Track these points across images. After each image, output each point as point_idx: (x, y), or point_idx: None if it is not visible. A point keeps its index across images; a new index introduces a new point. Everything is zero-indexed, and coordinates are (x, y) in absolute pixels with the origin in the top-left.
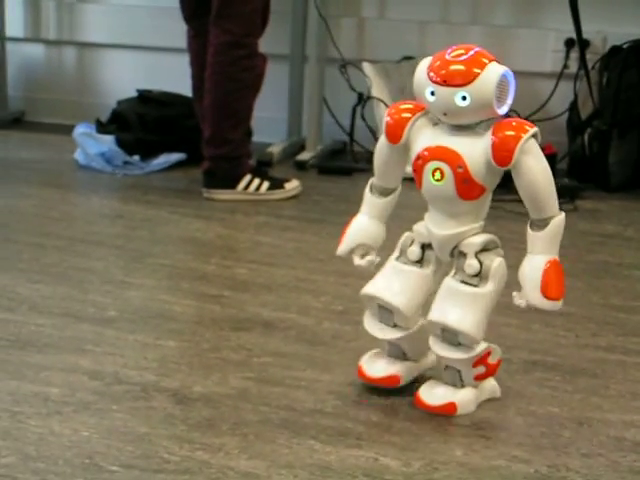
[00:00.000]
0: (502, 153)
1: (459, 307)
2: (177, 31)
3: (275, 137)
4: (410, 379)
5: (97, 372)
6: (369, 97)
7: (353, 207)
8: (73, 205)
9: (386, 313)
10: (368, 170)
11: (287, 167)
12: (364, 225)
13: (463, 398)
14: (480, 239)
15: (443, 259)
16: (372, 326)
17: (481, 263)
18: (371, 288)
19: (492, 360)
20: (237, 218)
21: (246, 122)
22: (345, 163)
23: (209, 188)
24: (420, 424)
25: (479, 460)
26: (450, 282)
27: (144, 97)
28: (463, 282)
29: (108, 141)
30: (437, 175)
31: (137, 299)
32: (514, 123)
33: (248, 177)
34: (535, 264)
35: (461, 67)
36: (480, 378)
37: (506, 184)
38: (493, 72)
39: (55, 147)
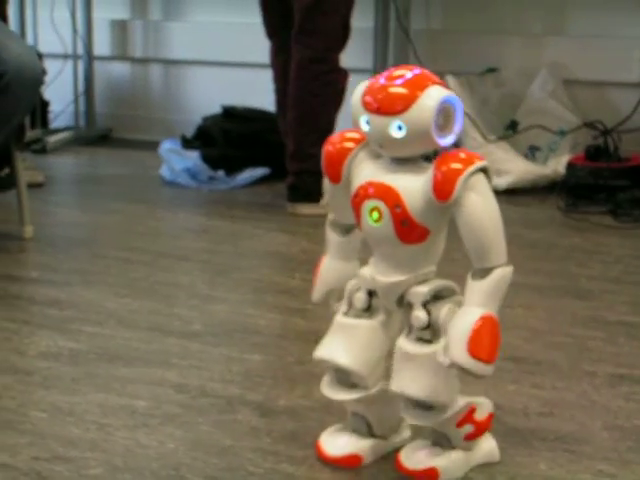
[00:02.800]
0: (443, 187)
1: (415, 372)
2: (260, 47)
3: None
4: (374, 458)
5: (183, 385)
6: None
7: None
8: (159, 220)
9: (342, 374)
10: None
11: None
12: (331, 269)
13: (448, 462)
14: (428, 287)
15: (391, 309)
16: (329, 388)
17: (430, 314)
18: (319, 351)
19: (480, 416)
20: (321, 232)
21: (329, 136)
22: None
23: (293, 202)
24: (504, 437)
25: (564, 474)
26: (402, 343)
27: (229, 113)
28: (418, 339)
29: (193, 157)
30: (375, 215)
31: (222, 313)
32: (462, 155)
33: None
34: (467, 317)
35: (396, 92)
36: (471, 438)
37: (590, 196)
38: (432, 97)
39: (141, 163)
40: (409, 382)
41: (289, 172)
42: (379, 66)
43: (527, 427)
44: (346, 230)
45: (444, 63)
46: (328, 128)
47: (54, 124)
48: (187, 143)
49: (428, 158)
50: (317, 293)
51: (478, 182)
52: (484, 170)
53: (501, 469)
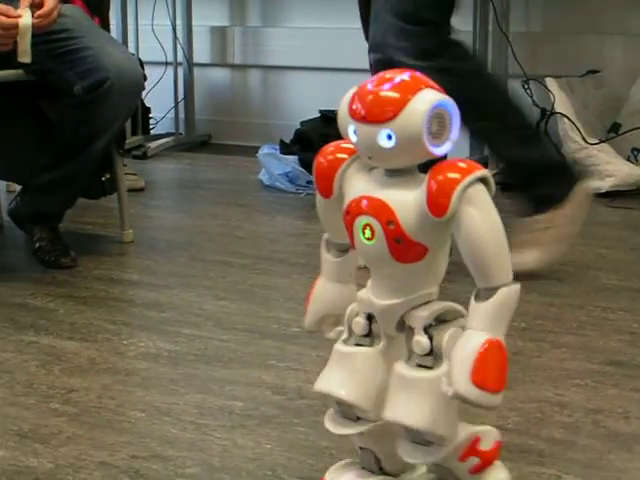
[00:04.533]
0: (437, 200)
1: (411, 398)
2: (358, 52)
3: (455, 154)
4: None
5: (280, 387)
6: (552, 113)
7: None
8: (257, 224)
9: (344, 407)
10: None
11: None
12: (325, 292)
13: None
14: (429, 310)
15: (391, 334)
16: (333, 423)
17: (432, 339)
18: (318, 384)
19: (485, 446)
20: None
21: None
22: None
23: None
24: (604, 441)
25: None
26: (399, 368)
27: (327, 117)
28: (418, 365)
29: (292, 161)
30: (367, 233)
31: None
32: (461, 164)
33: None
34: (469, 342)
35: (383, 98)
36: (477, 471)
37: None
38: (422, 102)
39: (240, 168)
40: (405, 410)
41: None
42: None
43: (628, 431)
44: (341, 250)
45: (544, 65)
46: None
47: (155, 130)
48: (285, 148)
49: (427, 168)
50: (309, 319)
51: (477, 194)
52: (484, 180)
53: (601, 473)
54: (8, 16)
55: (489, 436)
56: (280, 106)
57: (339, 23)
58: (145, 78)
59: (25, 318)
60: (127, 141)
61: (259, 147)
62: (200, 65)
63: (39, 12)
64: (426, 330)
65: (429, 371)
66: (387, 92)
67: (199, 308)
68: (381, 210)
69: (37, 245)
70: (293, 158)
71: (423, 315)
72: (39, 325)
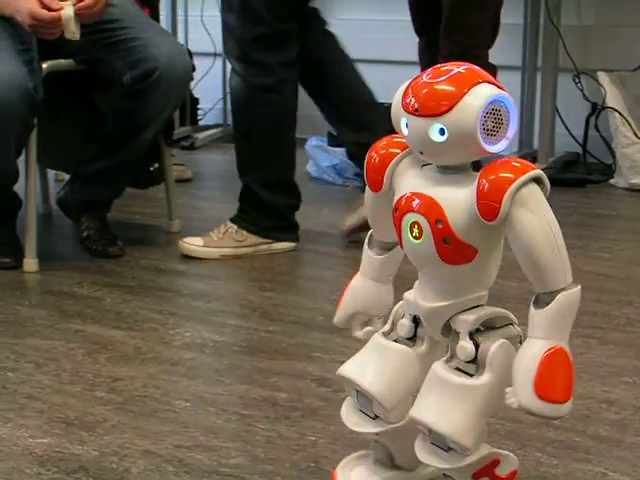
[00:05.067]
0: (487, 203)
1: (443, 401)
2: (408, 44)
3: (506, 149)
4: None
5: (325, 379)
6: (603, 107)
7: (586, 219)
8: (304, 216)
9: (365, 400)
10: (602, 182)
11: None
12: (361, 289)
13: None
14: (476, 315)
15: (436, 338)
16: (349, 415)
17: (477, 346)
18: (345, 368)
19: (502, 472)
20: None
21: None
22: (578, 175)
23: None
24: None
25: None
26: (438, 368)
27: None
28: (458, 369)
29: (339, 154)
30: (415, 231)
31: None
32: (514, 163)
33: None
34: (532, 352)
35: (437, 91)
36: None
37: None
38: (478, 96)
39: None
40: (435, 412)
41: None
42: (529, 63)
43: None
44: (385, 248)
45: (595, 59)
46: None
47: (203, 121)
48: (333, 140)
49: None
50: (340, 314)
51: (530, 195)
52: (537, 180)
53: None
54: (51, 8)
55: (508, 462)
56: None
57: (390, 15)
58: (194, 69)
59: (72, 307)
60: (175, 132)
61: (307, 139)
62: None
63: (81, 4)
64: (472, 336)
65: (468, 378)
66: (442, 85)
67: (245, 299)
68: (430, 208)
69: (85, 234)
70: (341, 150)
71: (470, 320)
72: (86, 314)
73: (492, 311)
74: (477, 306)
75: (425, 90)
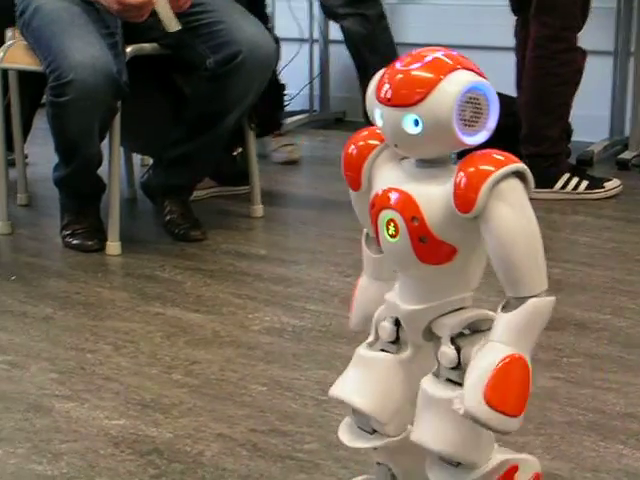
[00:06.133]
0: (464, 194)
1: (438, 420)
2: (496, 29)
3: (596, 136)
4: None
5: None
6: None
7: None
8: None
9: (361, 417)
10: None
11: (608, 166)
12: (366, 290)
13: None
14: (457, 318)
15: (417, 342)
16: (346, 433)
17: (459, 351)
18: (334, 388)
19: (524, 477)
20: (553, 217)
21: (564, 119)
22: None
23: None
24: None
25: None
26: (427, 385)
27: None
28: (447, 380)
29: None
30: (391, 229)
31: None
32: (495, 155)
33: (566, 176)
34: (489, 356)
35: (411, 78)
36: None
37: None
38: (454, 83)
39: None
40: (430, 433)
41: (522, 156)
42: (621, 48)
43: None
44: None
45: None
46: (563, 110)
47: (289, 107)
48: None
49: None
50: (354, 318)
51: (510, 189)
52: (519, 175)
53: None
54: None
55: (529, 467)
56: None
57: (478, 0)
58: (278, 52)
59: (153, 290)
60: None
61: None
62: (336, 42)
63: None
64: (454, 340)
65: (455, 388)
66: (416, 72)
67: (325, 284)
68: (405, 204)
69: (167, 218)
70: None
71: (450, 323)
72: (166, 297)
73: (475, 313)
74: (460, 309)
75: (398, 77)
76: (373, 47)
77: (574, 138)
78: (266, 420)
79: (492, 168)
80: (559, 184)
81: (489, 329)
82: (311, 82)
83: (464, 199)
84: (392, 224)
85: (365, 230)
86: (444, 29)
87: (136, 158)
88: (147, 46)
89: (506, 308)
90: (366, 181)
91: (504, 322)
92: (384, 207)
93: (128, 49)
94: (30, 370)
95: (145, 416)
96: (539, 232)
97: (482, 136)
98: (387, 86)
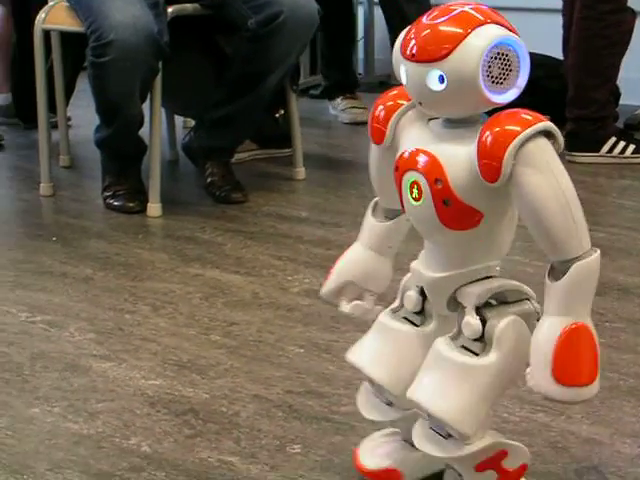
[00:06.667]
0: (487, 162)
1: (442, 381)
2: None
3: None
4: (419, 476)
5: None
6: None
7: None
8: None
9: (377, 386)
10: None
11: None
12: (357, 258)
13: None
14: (483, 287)
15: (443, 313)
16: (363, 404)
17: (485, 322)
18: (351, 352)
19: (511, 464)
20: (599, 181)
21: (612, 81)
22: None
23: (571, 151)
24: None
25: None
26: (440, 344)
27: None
28: (464, 348)
29: None
30: (415, 192)
31: None
32: (522, 115)
33: (613, 139)
34: (548, 331)
35: (437, 33)
36: None
37: None
38: (482, 37)
39: None
40: (430, 391)
41: (568, 119)
42: None
43: None
44: (388, 215)
45: None
46: (611, 72)
47: None
48: None
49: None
50: (330, 285)
51: (536, 151)
52: (547, 134)
53: None
54: None
55: (518, 455)
56: None
57: None
58: (320, 13)
59: (193, 251)
60: (305, 80)
61: None
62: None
63: None
64: (480, 311)
65: (472, 357)
66: (442, 26)
67: None
68: (429, 166)
69: (209, 180)
70: None
71: (476, 292)
72: (205, 258)
73: (503, 283)
74: (487, 278)
75: (424, 32)
76: None
77: (622, 101)
78: (302, 382)
79: (518, 128)
80: (605, 148)
81: (517, 301)
82: (355, 45)
83: (489, 168)
84: (416, 186)
85: (375, 199)
86: None
87: (178, 120)
88: (188, 6)
89: (552, 275)
90: (390, 135)
91: (554, 293)
92: (408, 169)
93: (169, 9)
94: (69, 330)
95: (182, 377)
96: (573, 191)
97: (511, 94)
98: (413, 42)
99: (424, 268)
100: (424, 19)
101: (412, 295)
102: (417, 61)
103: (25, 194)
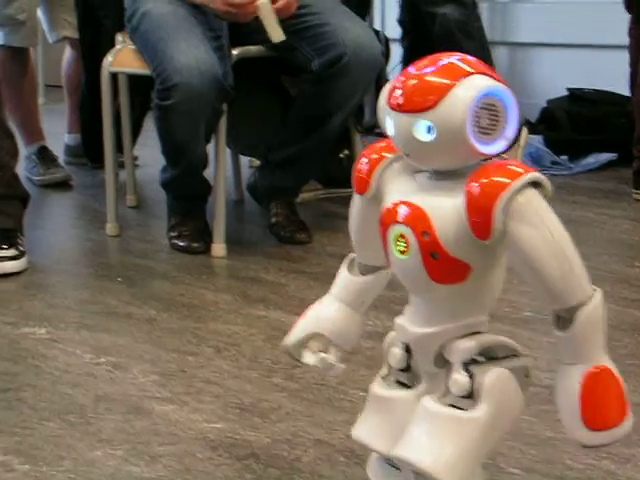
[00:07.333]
0: (477, 219)
1: (428, 435)
2: (610, 27)
3: None
4: None
5: None
6: None
7: None
8: None
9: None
10: None
11: None
12: (329, 310)
13: None
14: (471, 343)
15: (428, 370)
16: (374, 470)
17: (472, 377)
18: (356, 430)
19: None
20: None
21: None
22: None
23: (638, 189)
24: None
25: None
26: (427, 402)
27: (575, 96)
28: (452, 406)
29: (536, 141)
30: (401, 245)
31: None
32: (508, 166)
33: None
34: (568, 382)
35: (424, 83)
36: None
37: None
38: (469, 88)
39: None
40: (417, 447)
41: (635, 157)
42: None
43: None
44: (363, 272)
45: None
46: None
47: None
48: (531, 127)
49: None
50: (295, 335)
51: (527, 205)
52: (535, 184)
53: None
54: None
55: None
56: (527, 84)
57: None
58: (385, 54)
59: (256, 292)
60: (369, 119)
61: None
62: None
63: (279, 4)
64: (468, 367)
65: (460, 411)
66: (429, 77)
67: None
68: (416, 218)
69: (273, 220)
70: (537, 138)
71: (463, 347)
72: (269, 299)
73: (492, 339)
74: (475, 333)
75: (411, 83)
76: (468, 33)
77: None
78: None
79: (505, 180)
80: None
81: (506, 357)
82: None
83: (478, 225)
84: (402, 240)
85: (351, 255)
86: (557, 28)
87: (244, 160)
88: (253, 48)
89: (559, 325)
90: (374, 186)
91: (566, 342)
92: (394, 222)
93: (234, 52)
94: (132, 372)
95: (243, 420)
96: (567, 238)
97: (500, 145)
98: (399, 91)
99: (409, 324)
100: (410, 70)
101: (396, 352)
102: (404, 111)
103: (92, 234)
